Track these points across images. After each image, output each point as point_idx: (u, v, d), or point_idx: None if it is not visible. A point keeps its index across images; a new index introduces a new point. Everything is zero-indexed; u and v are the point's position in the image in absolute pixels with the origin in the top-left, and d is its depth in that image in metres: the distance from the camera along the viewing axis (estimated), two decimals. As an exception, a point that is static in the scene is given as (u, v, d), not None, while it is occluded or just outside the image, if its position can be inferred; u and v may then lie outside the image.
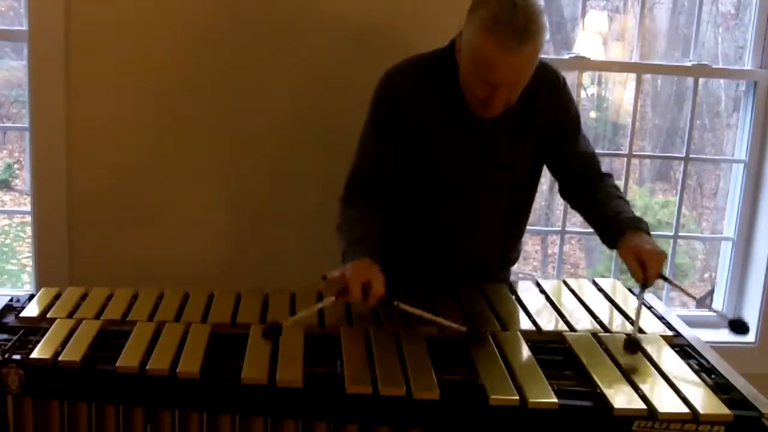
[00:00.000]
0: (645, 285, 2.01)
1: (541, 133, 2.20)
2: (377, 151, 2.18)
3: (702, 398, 1.69)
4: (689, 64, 3.10)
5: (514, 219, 2.33)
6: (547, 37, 1.99)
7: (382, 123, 2.16)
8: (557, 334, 1.98)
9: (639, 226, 2.09)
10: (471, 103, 2.06)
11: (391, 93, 2.15)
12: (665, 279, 2.09)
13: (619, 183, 2.67)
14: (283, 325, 1.84)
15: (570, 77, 2.39)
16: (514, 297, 2.20)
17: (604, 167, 2.32)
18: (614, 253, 3.31)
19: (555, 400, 1.66)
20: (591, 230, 2.26)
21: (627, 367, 1.79)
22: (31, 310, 2.04)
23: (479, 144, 2.15)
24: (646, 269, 1.99)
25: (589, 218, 2.26)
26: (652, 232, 2.10)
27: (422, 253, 2.28)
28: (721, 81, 7.09)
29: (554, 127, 2.21)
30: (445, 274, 2.25)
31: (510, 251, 2.39)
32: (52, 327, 1.93)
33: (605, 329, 2.02)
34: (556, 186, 2.40)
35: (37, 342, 1.84)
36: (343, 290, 1.89)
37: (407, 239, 2.28)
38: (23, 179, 7.92)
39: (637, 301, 2.04)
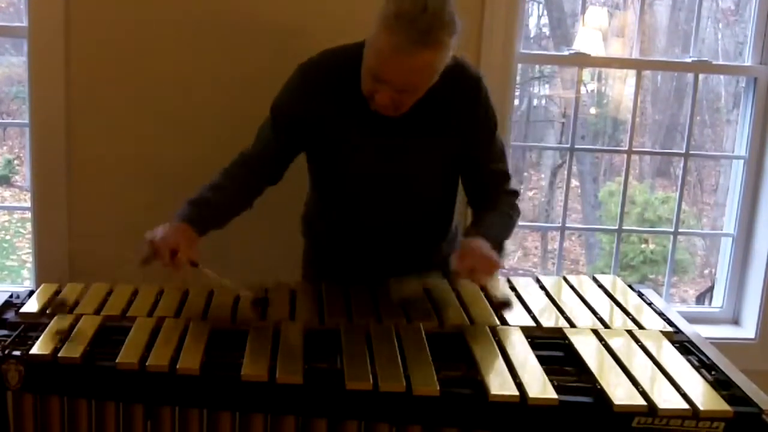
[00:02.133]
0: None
1: (454, 136, 2.13)
2: (268, 141, 2.17)
3: (702, 394, 1.69)
4: (689, 60, 3.10)
5: (431, 220, 2.29)
6: (454, 49, 1.90)
7: (281, 117, 2.15)
8: (557, 331, 1.98)
9: (485, 233, 2.06)
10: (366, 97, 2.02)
11: (297, 88, 2.13)
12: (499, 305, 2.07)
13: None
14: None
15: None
16: (514, 293, 2.20)
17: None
18: (614, 249, 3.33)
19: (555, 396, 1.66)
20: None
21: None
22: (31, 306, 2.04)
23: (387, 142, 2.10)
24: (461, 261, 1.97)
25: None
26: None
27: (345, 248, 2.28)
28: (721, 77, 7.10)
29: (467, 133, 2.14)
30: (366, 270, 2.24)
31: (432, 252, 2.30)
32: (52, 323, 1.93)
33: (605, 325, 2.02)
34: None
35: (37, 338, 1.84)
36: (151, 255, 1.95)
37: (332, 232, 2.29)
38: (23, 175, 7.93)
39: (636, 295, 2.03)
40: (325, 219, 2.31)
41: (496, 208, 2.17)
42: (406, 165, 2.14)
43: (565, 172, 3.49)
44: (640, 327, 2.02)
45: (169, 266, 1.93)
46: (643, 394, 1.67)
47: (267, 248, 2.77)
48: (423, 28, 1.81)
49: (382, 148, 2.11)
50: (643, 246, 7.20)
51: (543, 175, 8.36)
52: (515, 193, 2.24)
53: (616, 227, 3.27)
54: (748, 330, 3.20)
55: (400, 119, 2.04)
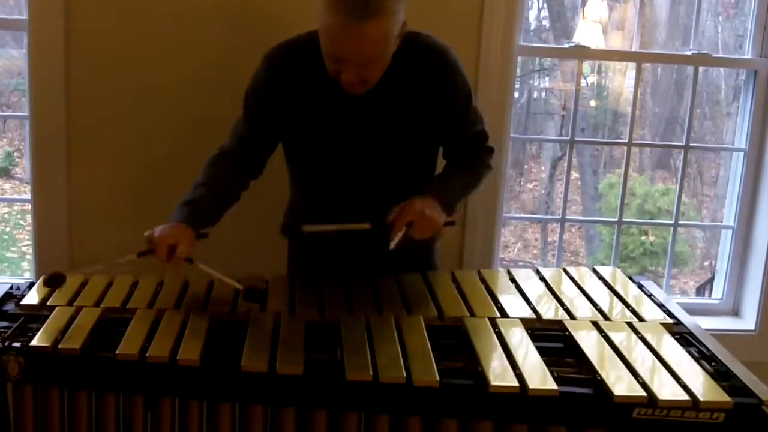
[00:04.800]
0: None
1: (428, 110, 2.14)
2: (245, 130, 2.20)
3: (702, 385, 1.69)
4: (689, 53, 3.09)
5: (409, 194, 2.23)
6: (401, 12, 1.92)
7: (254, 104, 2.17)
8: (557, 322, 1.98)
9: (439, 193, 2.09)
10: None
11: (265, 74, 2.15)
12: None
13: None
14: (66, 275, 2.03)
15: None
16: (514, 285, 2.20)
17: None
18: (614, 241, 3.33)
19: (555, 387, 1.66)
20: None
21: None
22: (31, 298, 2.04)
23: (358, 121, 2.12)
24: (399, 217, 1.99)
25: None
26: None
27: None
28: (721, 69, 7.08)
29: (442, 106, 2.14)
30: (347, 250, 2.26)
31: None
32: (52, 314, 1.93)
33: (605, 317, 2.02)
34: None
35: (37, 329, 1.84)
36: (149, 250, 1.99)
37: (314, 216, 2.27)
38: (23, 167, 7.92)
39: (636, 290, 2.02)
40: (307, 206, 2.30)
41: (466, 168, 2.21)
42: (382, 138, 2.14)
43: (565, 165, 3.48)
44: (640, 319, 2.03)
45: (166, 262, 1.96)
46: (643, 385, 1.68)
47: (251, 248, 2.76)
48: (361, 1, 1.83)
49: (357, 124, 2.12)
50: (643, 238, 7.19)
51: (543, 168, 8.35)
52: (491, 150, 2.27)
53: (616, 219, 3.26)
54: (747, 321, 3.20)
55: (371, 95, 2.06)
